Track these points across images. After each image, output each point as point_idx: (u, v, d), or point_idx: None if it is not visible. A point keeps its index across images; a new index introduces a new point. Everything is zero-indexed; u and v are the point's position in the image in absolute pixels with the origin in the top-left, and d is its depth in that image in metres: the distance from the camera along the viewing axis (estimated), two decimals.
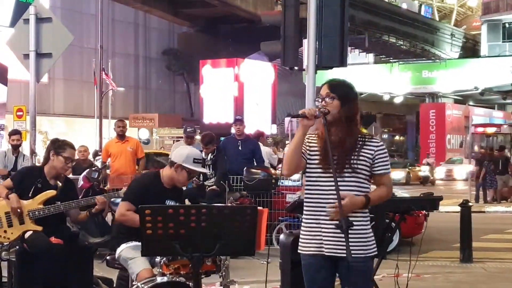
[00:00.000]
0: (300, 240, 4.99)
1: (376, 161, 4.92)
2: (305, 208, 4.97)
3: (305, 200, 4.98)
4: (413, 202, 7.43)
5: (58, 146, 7.31)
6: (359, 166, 4.86)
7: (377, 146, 4.94)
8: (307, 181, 4.97)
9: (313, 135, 4.96)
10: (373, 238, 4.93)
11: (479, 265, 12.01)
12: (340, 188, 4.71)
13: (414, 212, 7.11)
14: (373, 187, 5.01)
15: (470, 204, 13.10)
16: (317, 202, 4.87)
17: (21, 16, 11.85)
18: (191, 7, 51.58)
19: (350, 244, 4.53)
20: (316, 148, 4.90)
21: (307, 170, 4.95)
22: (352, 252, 4.54)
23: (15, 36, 12.10)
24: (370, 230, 4.93)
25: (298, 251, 4.99)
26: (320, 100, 4.89)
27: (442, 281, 10.48)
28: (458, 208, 13.01)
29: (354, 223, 4.71)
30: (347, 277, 4.84)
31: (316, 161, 4.89)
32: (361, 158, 4.87)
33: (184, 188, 12.64)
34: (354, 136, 4.89)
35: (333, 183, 4.71)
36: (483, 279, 10.78)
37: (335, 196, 4.68)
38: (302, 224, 4.99)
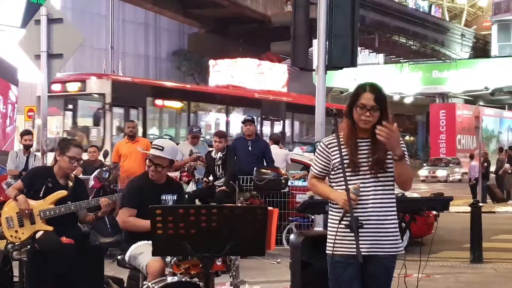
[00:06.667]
0: (328, 241, 4.98)
1: None
2: (333, 210, 4.98)
3: (333, 202, 4.98)
4: (424, 202, 7.43)
5: (63, 146, 7.36)
6: (389, 164, 4.88)
7: None
8: (335, 182, 4.99)
9: (334, 142, 4.94)
10: (399, 235, 4.99)
11: (489, 266, 12.00)
12: (377, 189, 4.86)
13: (424, 213, 7.09)
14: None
15: (480, 204, 13.08)
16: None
17: (32, 17, 11.90)
18: (202, 8, 51.62)
19: (382, 242, 4.83)
20: (345, 151, 4.89)
21: (335, 173, 4.95)
22: (384, 249, 4.84)
23: (26, 37, 12.14)
24: (398, 228, 4.99)
25: (326, 251, 4.98)
26: (364, 110, 4.80)
27: (452, 282, 10.46)
28: (468, 209, 13.00)
29: (386, 221, 4.86)
30: (372, 275, 4.90)
31: (344, 165, 4.87)
32: (388, 156, 4.88)
33: (190, 187, 12.80)
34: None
35: (364, 185, 4.84)
36: (494, 279, 10.77)
37: (367, 197, 4.82)
38: (330, 225, 4.99)
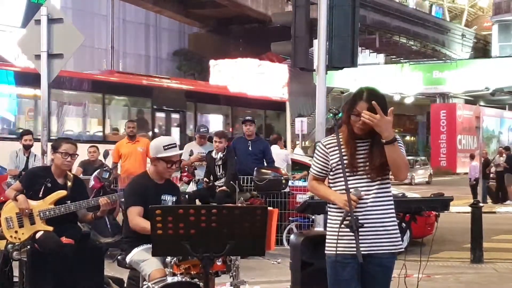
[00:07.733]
0: (327, 241, 4.97)
1: None
2: (332, 210, 4.98)
3: (333, 203, 4.96)
4: (424, 202, 7.42)
5: (55, 144, 7.41)
6: (387, 168, 4.87)
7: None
8: (334, 184, 4.98)
9: (333, 142, 4.94)
10: (399, 234, 4.98)
11: (490, 266, 12.00)
12: (375, 188, 4.85)
13: (424, 213, 7.08)
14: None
15: (481, 204, 13.07)
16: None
17: (33, 17, 11.88)
18: (202, 8, 51.68)
19: (381, 241, 4.82)
20: (344, 152, 4.88)
21: (333, 174, 4.96)
22: (383, 248, 4.84)
23: (26, 37, 12.11)
24: (397, 227, 4.98)
25: (325, 252, 4.97)
26: (358, 118, 4.76)
27: (453, 282, 10.46)
28: (469, 209, 12.99)
29: (385, 220, 4.86)
30: (371, 275, 4.89)
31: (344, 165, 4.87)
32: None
33: (190, 187, 12.80)
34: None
35: (362, 185, 4.83)
36: (494, 279, 10.76)
37: (366, 197, 4.81)
38: (329, 225, 4.99)
